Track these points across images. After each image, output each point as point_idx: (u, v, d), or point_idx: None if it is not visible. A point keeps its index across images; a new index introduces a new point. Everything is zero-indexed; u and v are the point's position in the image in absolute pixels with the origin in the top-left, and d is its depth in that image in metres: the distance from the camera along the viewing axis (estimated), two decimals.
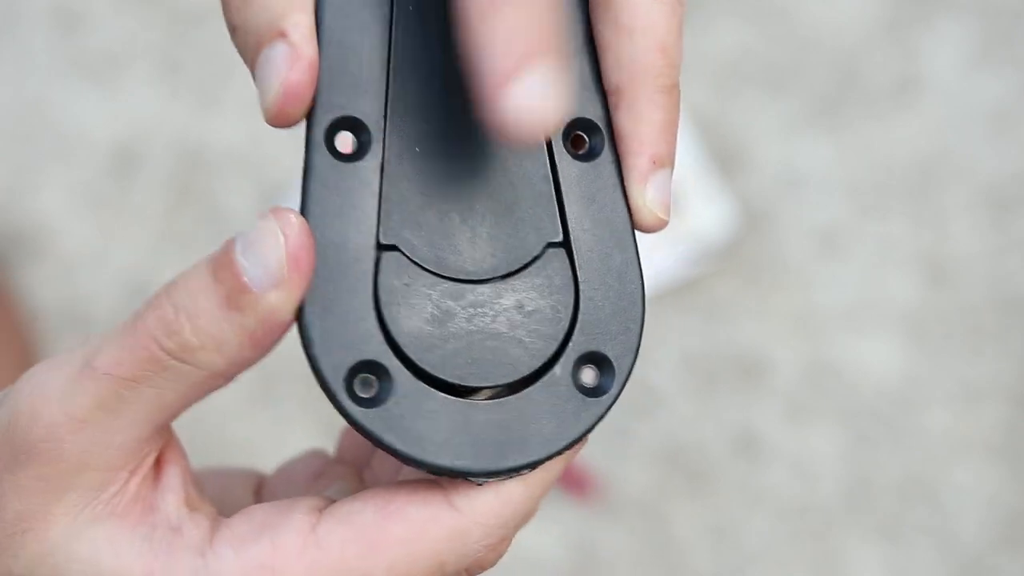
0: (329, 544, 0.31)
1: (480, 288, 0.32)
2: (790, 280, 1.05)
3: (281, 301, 0.30)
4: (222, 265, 0.30)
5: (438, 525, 0.31)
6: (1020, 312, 1.04)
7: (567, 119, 0.32)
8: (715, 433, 1.02)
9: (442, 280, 0.31)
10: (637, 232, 0.33)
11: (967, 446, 1.02)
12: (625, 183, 0.33)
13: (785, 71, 1.08)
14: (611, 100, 0.32)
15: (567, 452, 0.32)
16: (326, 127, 0.31)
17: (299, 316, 0.31)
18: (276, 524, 0.31)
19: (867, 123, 1.07)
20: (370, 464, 0.37)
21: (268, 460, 1.12)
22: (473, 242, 0.32)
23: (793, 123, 1.07)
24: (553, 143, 0.33)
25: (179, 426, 1.05)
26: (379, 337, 0.31)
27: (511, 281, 0.32)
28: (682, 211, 1.04)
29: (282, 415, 1.02)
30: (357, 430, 0.31)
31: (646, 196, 0.32)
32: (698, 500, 1.01)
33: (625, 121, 0.32)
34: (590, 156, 0.33)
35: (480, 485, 0.31)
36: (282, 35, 0.30)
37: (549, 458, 0.31)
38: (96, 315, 1.04)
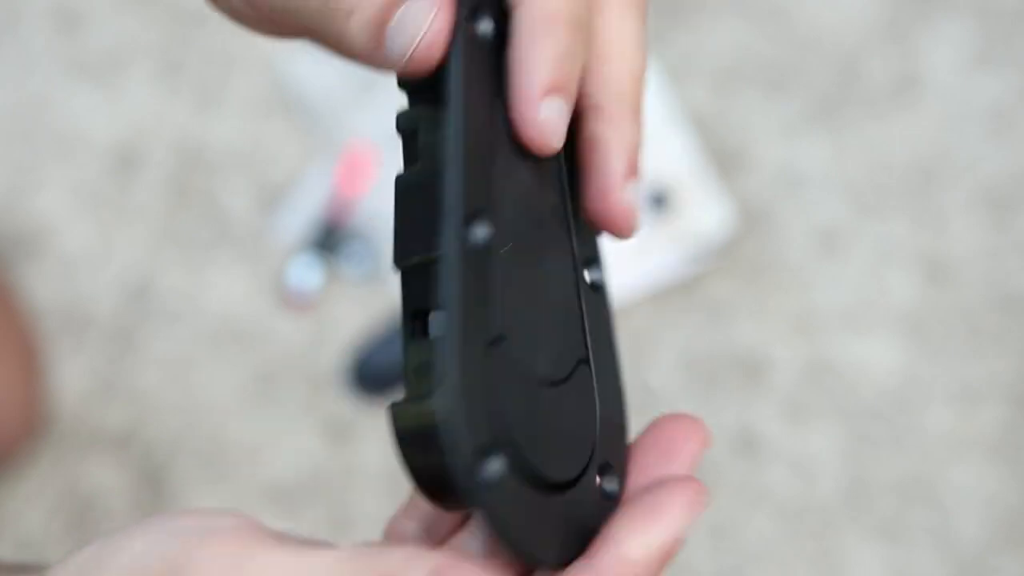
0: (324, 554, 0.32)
1: (549, 391, 0.35)
2: (790, 280, 1.05)
3: None
4: None
5: None
6: (1020, 312, 1.04)
7: (586, 255, 0.37)
8: (715, 433, 1.02)
9: (528, 379, 0.34)
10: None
11: (967, 446, 1.02)
12: (606, 187, 0.36)
13: (785, 71, 1.08)
14: (591, 113, 0.36)
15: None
16: (462, 217, 0.33)
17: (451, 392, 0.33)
18: None
19: (867, 123, 1.07)
20: None
21: (268, 460, 1.13)
22: (547, 344, 0.35)
23: (793, 123, 1.07)
24: (579, 275, 0.37)
25: (180, 425, 1.05)
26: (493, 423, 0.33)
27: (568, 385, 0.35)
28: (681, 211, 1.04)
29: (282, 415, 1.02)
30: (472, 505, 0.33)
31: (626, 197, 0.36)
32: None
33: (605, 131, 0.36)
34: (597, 288, 0.37)
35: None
36: None
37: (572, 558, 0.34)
38: (96, 315, 1.04)
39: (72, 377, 1.03)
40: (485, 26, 0.35)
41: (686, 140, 1.05)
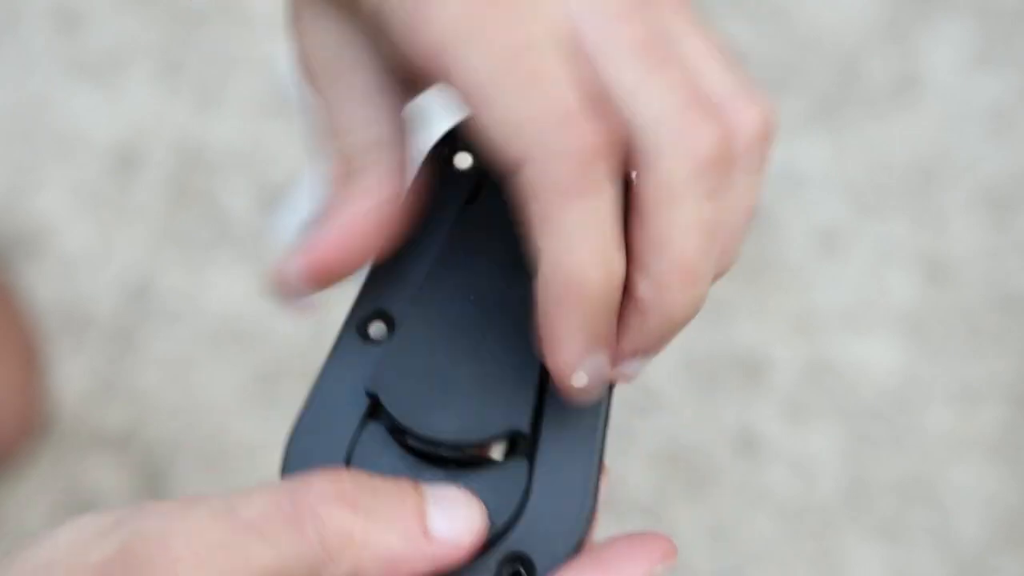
0: None
1: (438, 471, 0.34)
2: (790, 280, 1.05)
3: (452, 557, 0.32)
4: (412, 497, 0.32)
5: None
6: (1020, 312, 1.04)
7: None
8: (715, 433, 1.02)
9: (408, 456, 0.35)
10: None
11: (967, 446, 1.02)
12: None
13: (785, 71, 1.08)
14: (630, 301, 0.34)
15: None
16: (362, 316, 0.37)
17: (289, 441, 0.36)
18: None
19: (867, 123, 1.07)
20: None
21: (268, 460, 1.13)
22: (445, 405, 0.34)
23: (793, 123, 1.07)
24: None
25: (180, 425, 1.05)
26: None
27: (468, 473, 0.34)
28: None
29: (282, 415, 1.02)
30: None
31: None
32: (698, 500, 1.01)
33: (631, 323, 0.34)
34: None
35: None
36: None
37: None
38: (96, 315, 1.04)
39: (72, 377, 1.03)
40: (461, 160, 0.37)
41: None
